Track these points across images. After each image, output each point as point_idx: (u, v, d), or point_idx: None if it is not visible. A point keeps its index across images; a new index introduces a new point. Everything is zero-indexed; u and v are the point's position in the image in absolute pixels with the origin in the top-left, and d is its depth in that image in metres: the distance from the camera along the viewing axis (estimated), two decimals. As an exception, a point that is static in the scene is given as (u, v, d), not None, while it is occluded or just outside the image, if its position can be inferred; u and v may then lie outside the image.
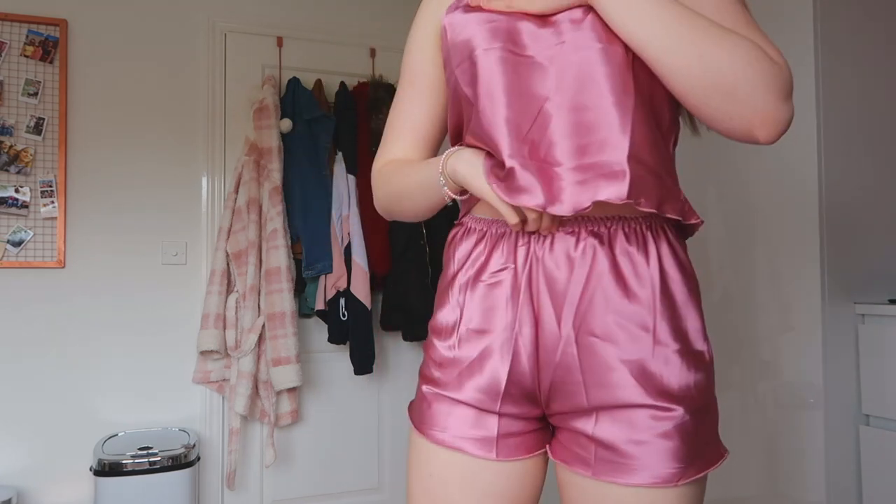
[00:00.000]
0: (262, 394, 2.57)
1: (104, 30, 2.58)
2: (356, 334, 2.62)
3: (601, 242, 0.80)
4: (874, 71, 1.76)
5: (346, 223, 2.65)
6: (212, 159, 2.69)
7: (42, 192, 2.46)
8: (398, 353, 2.93)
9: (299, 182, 2.64)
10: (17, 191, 2.43)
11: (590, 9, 0.80)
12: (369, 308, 2.62)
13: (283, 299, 2.51)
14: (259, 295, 2.55)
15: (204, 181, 2.70)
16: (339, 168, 2.69)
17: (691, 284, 0.84)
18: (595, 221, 0.81)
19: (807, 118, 1.71)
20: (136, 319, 2.57)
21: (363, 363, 2.64)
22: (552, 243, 0.81)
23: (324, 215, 2.65)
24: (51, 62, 2.50)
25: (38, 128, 2.47)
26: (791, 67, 0.78)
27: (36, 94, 2.47)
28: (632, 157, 0.77)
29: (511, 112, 0.81)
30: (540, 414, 0.87)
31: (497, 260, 0.85)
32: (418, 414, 0.91)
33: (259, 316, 2.54)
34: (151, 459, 2.23)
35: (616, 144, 0.77)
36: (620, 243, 0.80)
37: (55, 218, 2.48)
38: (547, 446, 0.89)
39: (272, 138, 2.58)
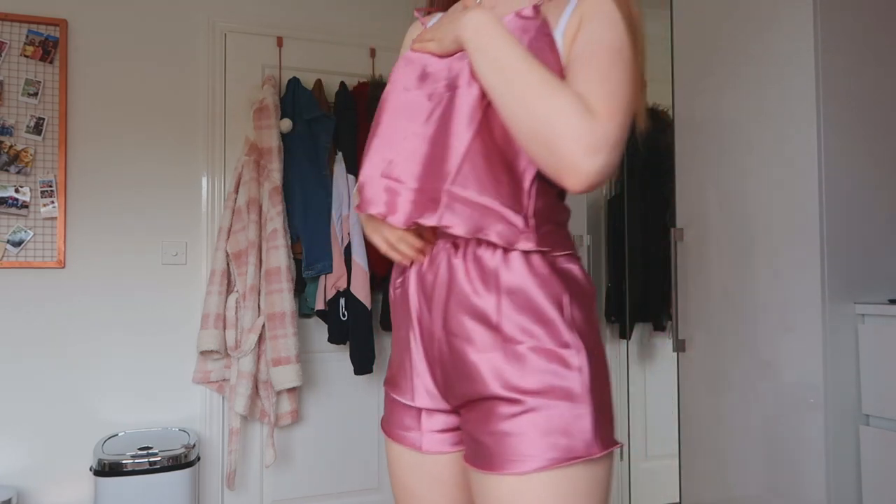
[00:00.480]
0: (262, 394, 2.57)
1: (104, 30, 2.58)
2: (356, 334, 2.62)
3: (456, 249, 0.92)
4: (874, 70, 1.76)
5: (346, 223, 2.65)
6: (212, 159, 2.69)
7: (42, 192, 2.46)
8: (398, 353, 2.93)
9: (299, 182, 2.64)
10: (17, 191, 2.43)
11: None
12: (369, 308, 2.62)
13: (283, 299, 2.51)
14: (259, 295, 2.55)
15: (204, 181, 2.70)
16: (339, 168, 2.69)
17: (550, 287, 0.89)
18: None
19: (807, 117, 1.71)
20: (136, 319, 2.57)
21: (363, 363, 2.64)
22: (431, 254, 0.95)
23: (324, 215, 2.65)
24: (51, 62, 2.50)
25: (38, 128, 2.47)
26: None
27: (36, 94, 2.47)
28: (452, 189, 0.89)
29: (383, 138, 0.95)
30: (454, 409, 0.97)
31: (400, 272, 1.01)
32: (385, 412, 1.06)
33: (259, 316, 2.54)
34: (151, 459, 2.23)
35: (444, 176, 0.89)
36: (472, 250, 0.91)
37: (55, 218, 2.48)
38: None
39: (272, 138, 2.58)
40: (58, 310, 2.48)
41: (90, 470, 2.27)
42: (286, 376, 2.49)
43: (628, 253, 2.96)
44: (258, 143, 2.60)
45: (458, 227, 0.88)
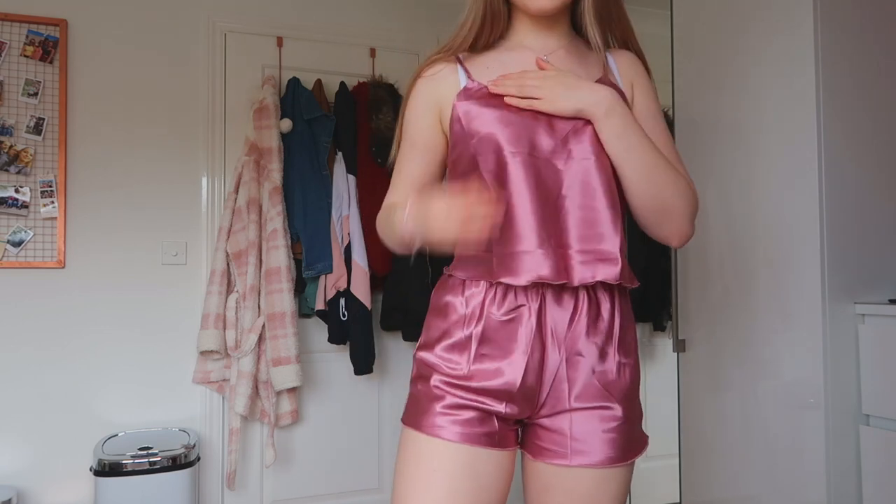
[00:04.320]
0: (262, 394, 2.57)
1: (104, 30, 2.58)
2: (356, 334, 2.62)
3: (587, 295, 1.06)
4: (875, 70, 1.76)
5: (346, 223, 2.65)
6: (212, 159, 2.69)
7: (42, 192, 2.46)
8: (398, 353, 2.93)
9: (299, 182, 2.64)
10: (17, 191, 2.43)
11: (588, 121, 1.04)
12: (369, 308, 2.62)
13: (283, 299, 2.51)
14: (259, 295, 2.55)
15: (204, 181, 2.69)
16: (339, 168, 2.69)
17: (631, 316, 1.13)
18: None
19: (807, 117, 1.71)
20: (136, 319, 2.57)
21: (363, 363, 2.64)
22: (557, 293, 1.07)
23: (324, 215, 2.65)
24: (51, 62, 2.50)
25: (38, 128, 2.47)
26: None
27: (36, 94, 2.47)
28: (622, 250, 1.04)
29: (536, 207, 1.03)
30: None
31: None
32: None
33: (259, 316, 2.54)
34: (151, 459, 2.23)
35: (610, 238, 1.03)
36: (592, 295, 1.07)
37: (55, 218, 2.48)
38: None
39: (272, 138, 2.58)
40: (58, 310, 2.48)
41: (90, 470, 2.27)
42: (286, 376, 2.49)
43: (628, 253, 2.96)
44: (258, 143, 2.60)
45: (626, 281, 1.07)
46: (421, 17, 3.01)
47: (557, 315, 1.04)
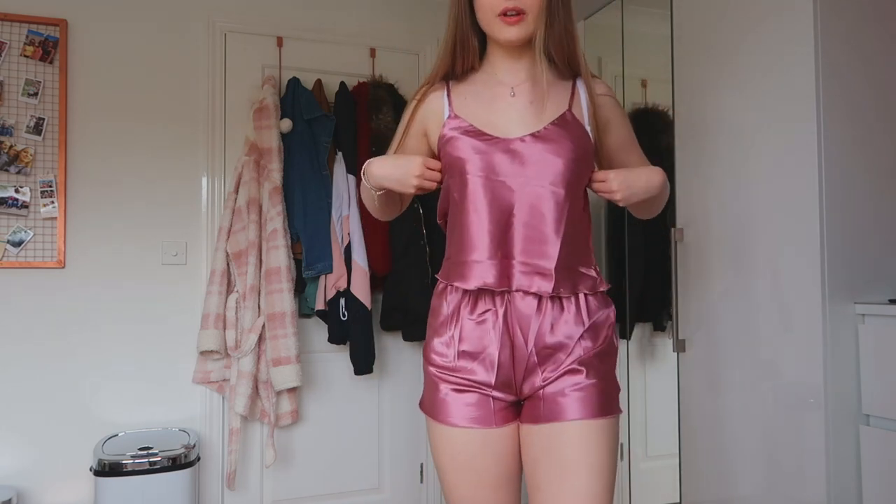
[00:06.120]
0: (262, 394, 2.57)
1: (104, 30, 2.58)
2: (356, 334, 2.62)
3: (550, 298, 1.24)
4: (874, 70, 1.76)
5: (346, 223, 2.65)
6: (212, 159, 2.69)
7: (42, 192, 2.46)
8: (398, 353, 2.93)
9: (299, 182, 2.64)
10: (17, 191, 2.43)
11: (556, 158, 1.23)
12: (369, 308, 2.62)
13: (283, 299, 2.51)
14: (259, 295, 2.55)
15: (204, 181, 2.69)
16: (339, 168, 2.69)
17: (605, 308, 1.28)
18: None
19: (807, 117, 1.71)
20: (136, 319, 2.57)
21: (363, 363, 2.64)
22: (522, 297, 1.24)
23: (324, 215, 2.65)
24: (51, 62, 2.50)
25: (38, 128, 2.47)
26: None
27: (36, 94, 2.47)
28: (557, 267, 1.21)
29: (490, 221, 1.23)
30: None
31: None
32: None
33: (259, 316, 2.54)
34: (151, 459, 2.23)
35: (549, 257, 1.22)
36: (556, 297, 1.24)
37: (55, 218, 2.48)
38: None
39: (272, 138, 2.58)
40: (58, 310, 2.48)
41: (90, 470, 2.27)
42: (286, 376, 2.49)
43: (628, 253, 2.96)
44: (258, 143, 2.60)
45: (565, 292, 1.25)
46: (421, 17, 3.01)
47: (522, 316, 1.22)
